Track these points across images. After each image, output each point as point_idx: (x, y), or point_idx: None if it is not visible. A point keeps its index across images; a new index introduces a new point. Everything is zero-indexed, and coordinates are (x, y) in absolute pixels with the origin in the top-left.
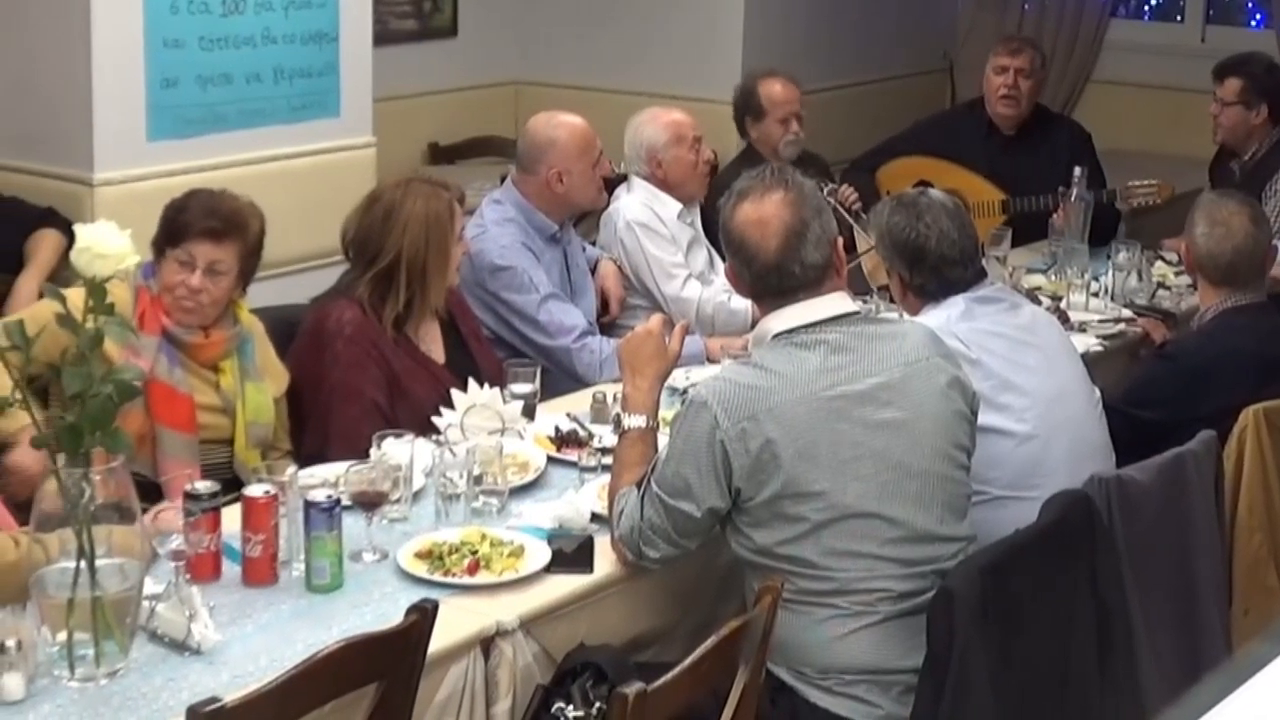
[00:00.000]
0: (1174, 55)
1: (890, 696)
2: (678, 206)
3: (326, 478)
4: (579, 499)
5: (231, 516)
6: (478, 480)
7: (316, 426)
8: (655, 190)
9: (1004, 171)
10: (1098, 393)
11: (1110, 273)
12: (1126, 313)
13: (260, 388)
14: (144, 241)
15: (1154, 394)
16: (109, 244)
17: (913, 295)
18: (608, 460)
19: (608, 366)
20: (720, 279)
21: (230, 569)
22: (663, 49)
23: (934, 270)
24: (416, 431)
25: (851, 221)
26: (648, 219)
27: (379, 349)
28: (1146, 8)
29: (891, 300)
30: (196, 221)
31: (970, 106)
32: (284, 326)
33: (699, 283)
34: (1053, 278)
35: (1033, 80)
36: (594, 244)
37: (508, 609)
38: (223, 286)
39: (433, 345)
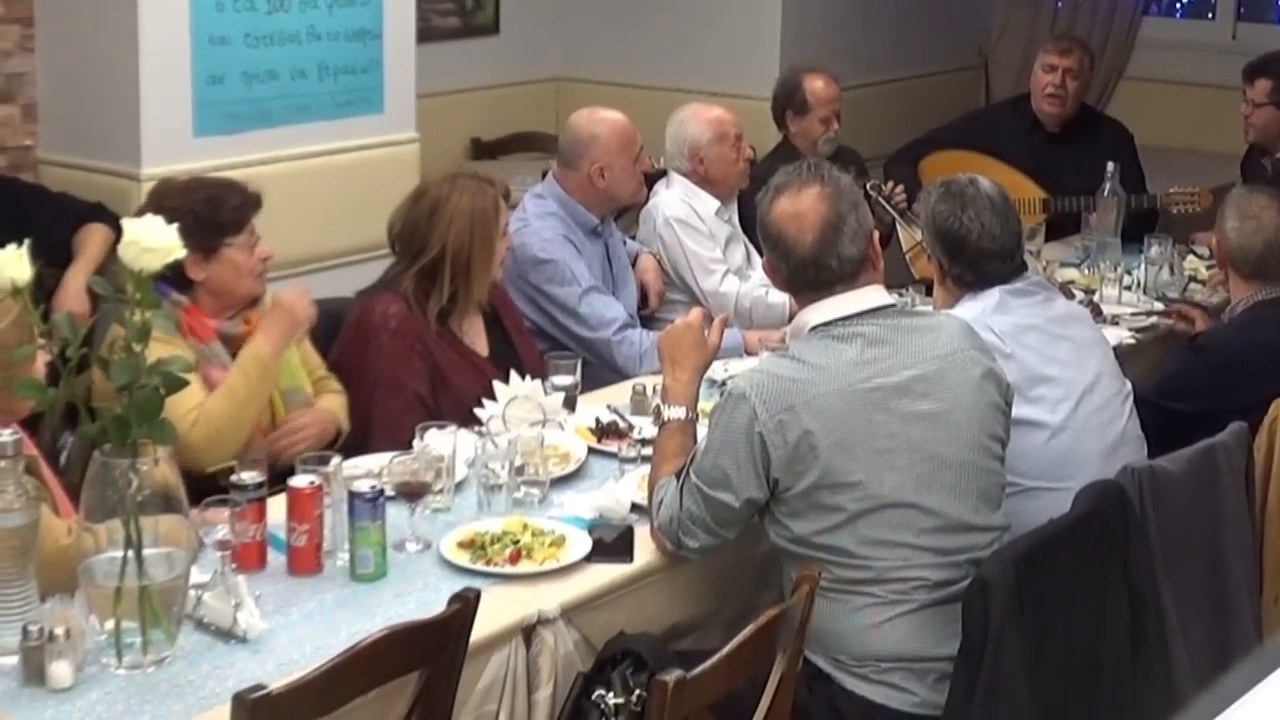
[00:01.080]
0: (1205, 52)
1: (926, 684)
2: (716, 203)
3: (370, 468)
4: (619, 489)
5: (277, 507)
6: (519, 471)
7: (361, 418)
8: (694, 187)
9: (1046, 169)
10: (1129, 385)
11: (1142, 267)
12: (1158, 306)
13: (289, 356)
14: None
15: (1185, 386)
16: (156, 238)
17: (951, 283)
18: (647, 451)
19: (647, 359)
20: (758, 273)
21: (275, 558)
22: (702, 46)
23: (971, 262)
24: (459, 423)
25: (897, 217)
26: (686, 215)
27: (423, 342)
28: (1178, 5)
29: (927, 293)
30: (241, 202)
31: (1014, 104)
32: (329, 320)
33: (737, 277)
34: (1086, 271)
35: (1080, 81)
36: (634, 238)
37: (549, 598)
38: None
39: (476, 338)
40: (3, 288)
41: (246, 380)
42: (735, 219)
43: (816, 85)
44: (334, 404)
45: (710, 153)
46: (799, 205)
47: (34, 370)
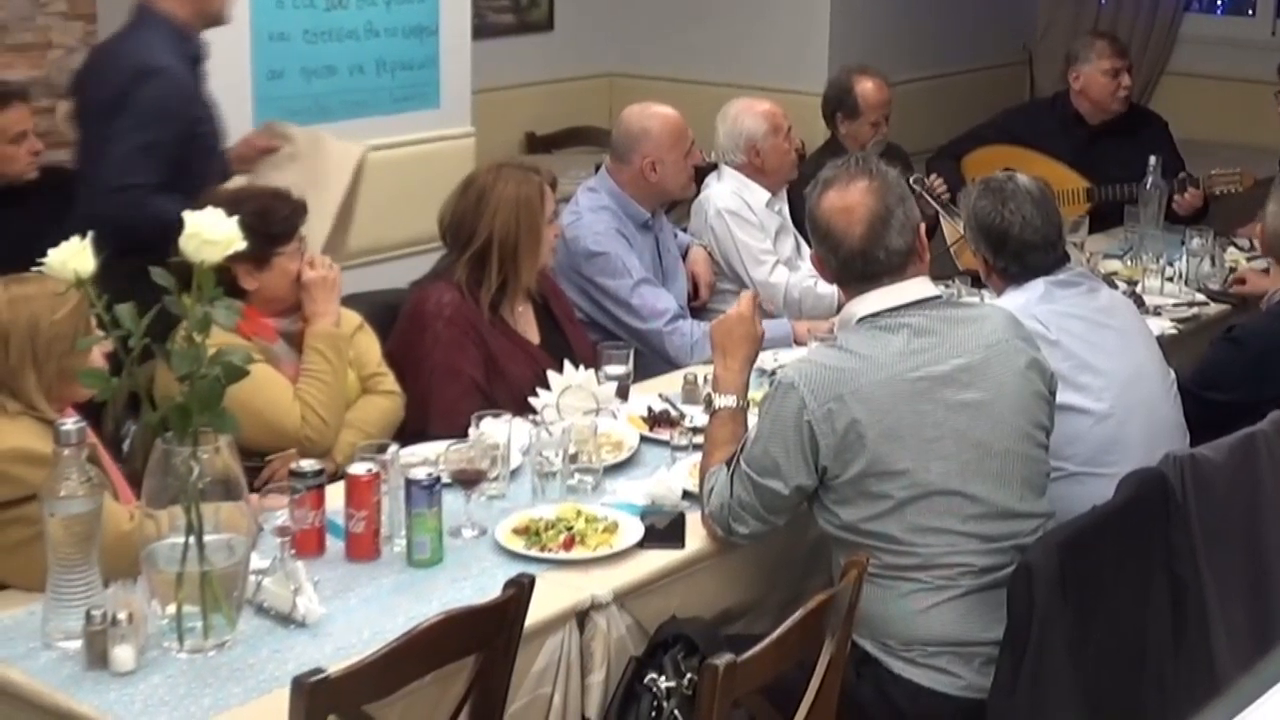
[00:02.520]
0: (1246, 48)
1: (972, 667)
2: (766, 195)
3: (427, 456)
4: (671, 477)
5: (335, 494)
6: (573, 458)
7: (418, 406)
8: (745, 179)
9: (1088, 162)
10: (1172, 374)
11: (1184, 258)
12: (1200, 297)
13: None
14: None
15: (1222, 376)
16: (216, 230)
17: (996, 277)
18: (699, 439)
19: (698, 349)
20: (807, 265)
21: (334, 544)
22: (752, 42)
23: (1015, 255)
24: (513, 411)
25: (940, 210)
26: (737, 207)
27: (477, 330)
28: (1219, 2)
29: (973, 284)
30: (290, 211)
31: (1052, 101)
32: (385, 310)
33: (786, 268)
34: (1129, 263)
35: (1132, 78)
36: (685, 231)
37: (602, 583)
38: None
39: (528, 327)
40: (66, 278)
41: (325, 359)
42: (785, 210)
43: (867, 88)
44: (380, 407)
45: (766, 144)
46: (847, 199)
47: (93, 361)
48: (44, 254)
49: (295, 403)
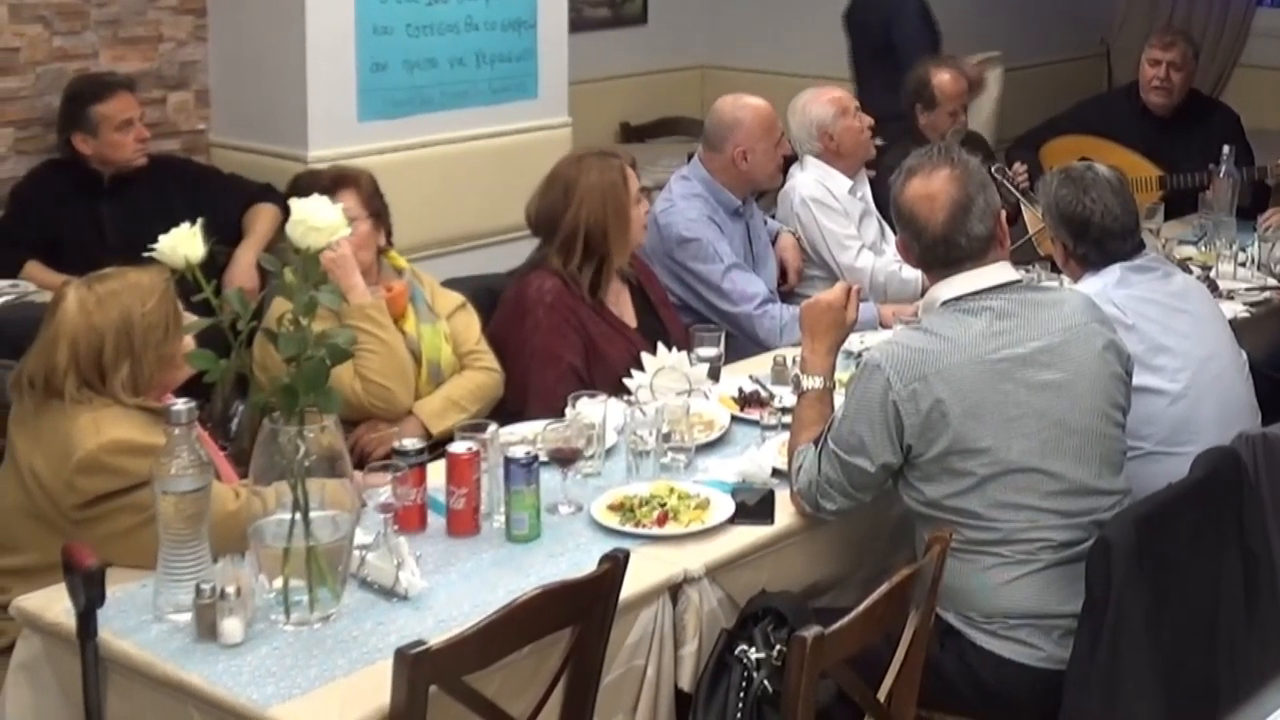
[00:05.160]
0: None
1: (1051, 639)
2: (848, 182)
3: (525, 435)
4: (760, 455)
5: (436, 471)
6: (666, 438)
7: (517, 389)
8: (827, 167)
9: (1160, 152)
10: (1244, 355)
11: (1256, 244)
12: (1272, 281)
13: (435, 329)
14: None
15: None
16: (321, 217)
17: (1074, 263)
18: (787, 419)
19: (787, 332)
20: (892, 249)
21: (435, 520)
22: (839, 36)
23: (1096, 242)
24: (610, 392)
25: (1019, 197)
26: (821, 195)
27: (577, 315)
28: None
29: (1052, 269)
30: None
31: (1126, 91)
32: (485, 294)
33: (871, 253)
34: (1202, 248)
35: (1184, 72)
36: (774, 218)
37: (694, 558)
38: (361, 232)
39: (624, 310)
40: (176, 264)
41: (364, 331)
42: (868, 195)
43: (944, 80)
44: (475, 381)
45: (837, 127)
46: (930, 187)
47: (185, 346)
48: (152, 240)
49: (355, 380)
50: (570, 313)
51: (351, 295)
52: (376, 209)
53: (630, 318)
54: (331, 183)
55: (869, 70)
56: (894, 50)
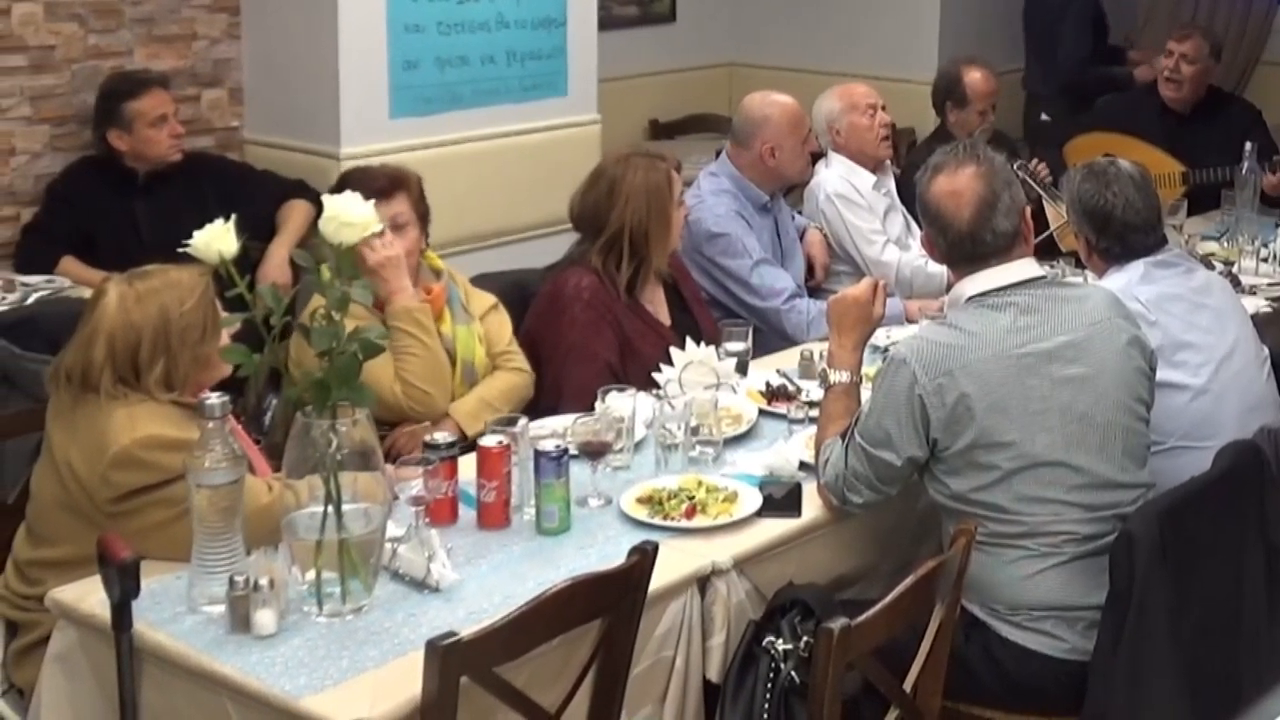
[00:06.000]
0: None
1: (1075, 631)
2: (872, 177)
3: (555, 429)
4: (788, 449)
5: (467, 465)
6: (695, 431)
7: (551, 384)
8: (851, 164)
9: (1181, 148)
10: (1266, 351)
11: (1278, 240)
12: None
13: (470, 330)
14: None
15: None
16: (354, 213)
17: (1098, 257)
18: (814, 413)
19: (814, 326)
20: (917, 244)
21: (466, 513)
22: (866, 32)
23: (1118, 236)
24: (641, 387)
25: (1043, 194)
26: (846, 191)
27: (613, 313)
28: None
29: (1077, 265)
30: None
31: (1148, 88)
32: (516, 290)
33: (897, 248)
34: (1225, 244)
35: (1197, 66)
36: (801, 214)
37: (722, 550)
38: (411, 237)
39: (659, 308)
40: (210, 259)
41: (409, 334)
42: (893, 190)
43: (975, 78)
44: (509, 381)
45: (843, 122)
46: (956, 183)
47: (221, 345)
48: (187, 236)
49: (395, 382)
50: (606, 310)
51: (400, 297)
52: (423, 212)
53: (665, 315)
54: (389, 184)
55: (1031, 46)
56: (1056, 40)
